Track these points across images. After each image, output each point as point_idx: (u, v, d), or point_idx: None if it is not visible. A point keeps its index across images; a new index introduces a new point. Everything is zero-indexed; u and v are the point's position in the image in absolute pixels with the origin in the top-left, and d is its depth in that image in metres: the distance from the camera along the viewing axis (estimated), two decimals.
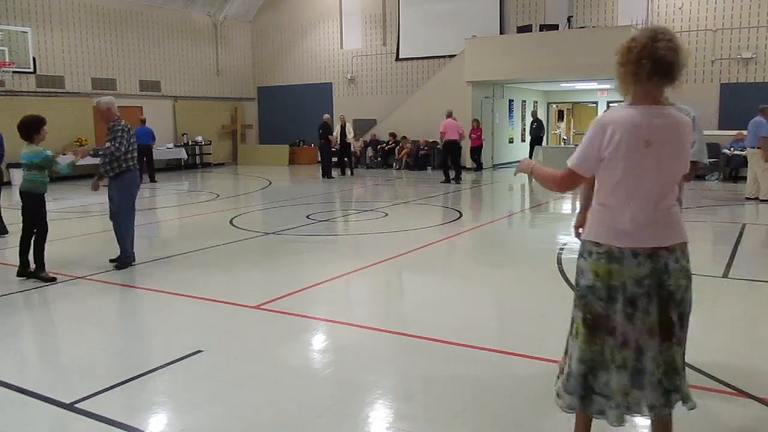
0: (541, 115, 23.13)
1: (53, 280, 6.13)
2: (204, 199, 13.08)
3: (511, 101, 20.47)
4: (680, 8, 16.38)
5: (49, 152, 6.15)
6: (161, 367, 3.99)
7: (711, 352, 4.21)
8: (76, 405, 3.44)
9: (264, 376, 3.88)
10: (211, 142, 21.61)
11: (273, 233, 8.94)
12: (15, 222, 9.33)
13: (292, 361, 4.17)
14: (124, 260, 6.66)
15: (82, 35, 18.14)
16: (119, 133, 6.51)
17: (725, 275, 6.16)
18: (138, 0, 19.41)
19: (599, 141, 2.47)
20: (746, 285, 5.92)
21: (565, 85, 21.15)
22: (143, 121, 16.56)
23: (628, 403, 2.56)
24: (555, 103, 23.98)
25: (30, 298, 5.75)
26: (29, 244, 6.20)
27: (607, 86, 20.66)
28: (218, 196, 13.52)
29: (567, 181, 2.61)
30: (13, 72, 15.59)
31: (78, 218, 10.14)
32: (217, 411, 3.39)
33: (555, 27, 16.87)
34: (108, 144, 6.49)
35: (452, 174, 15.37)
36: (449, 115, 15.58)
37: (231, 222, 9.79)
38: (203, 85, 21.75)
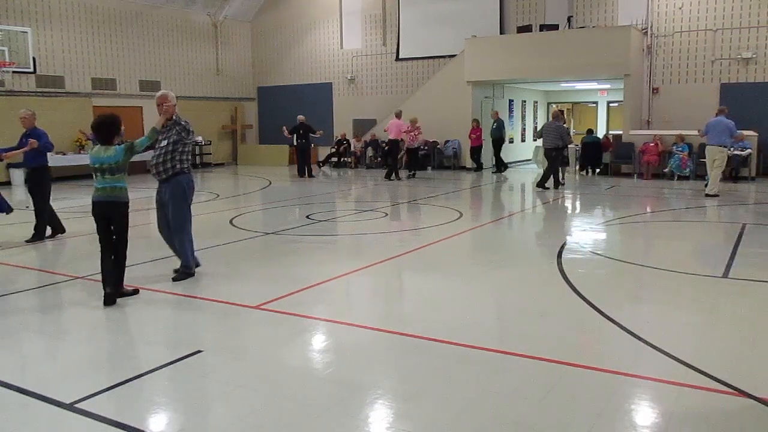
0: (541, 115, 23.16)
1: (136, 292, 5.66)
2: (204, 199, 13.07)
3: (511, 101, 20.47)
4: (680, 8, 16.37)
5: (123, 145, 5.47)
6: (161, 367, 3.99)
7: (711, 352, 4.21)
8: (76, 405, 3.44)
9: (264, 376, 3.88)
10: (211, 142, 21.60)
11: (273, 233, 8.94)
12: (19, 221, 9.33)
13: (292, 361, 4.17)
14: (184, 272, 6.20)
15: (82, 35, 18.14)
16: (187, 126, 6.11)
17: (725, 275, 6.16)
18: (138, 0, 19.41)
19: None
20: (746, 285, 5.92)
21: (565, 85, 21.16)
22: None
23: None
24: (555, 103, 23.96)
25: (30, 299, 5.75)
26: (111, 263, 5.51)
27: (607, 86, 20.68)
28: (218, 196, 13.52)
29: None
30: (13, 72, 15.59)
31: (78, 218, 10.13)
32: (217, 411, 3.39)
33: (555, 27, 16.86)
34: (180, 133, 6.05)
35: (410, 172, 16.52)
36: (397, 115, 16.36)
37: (231, 222, 9.79)
38: (203, 85, 21.74)
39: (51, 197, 8.59)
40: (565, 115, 24.58)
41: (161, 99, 6.09)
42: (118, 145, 5.54)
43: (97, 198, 5.48)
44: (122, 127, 5.72)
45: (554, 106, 24.06)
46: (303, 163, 17.18)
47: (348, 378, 3.82)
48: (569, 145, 14.72)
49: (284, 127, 17.58)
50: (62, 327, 5.04)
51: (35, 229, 8.38)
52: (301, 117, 17.34)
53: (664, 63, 16.71)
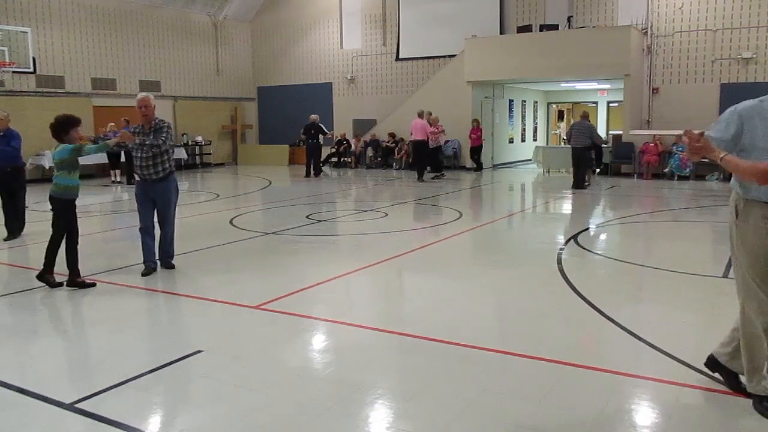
0: (541, 115, 23.16)
1: (93, 285, 5.89)
2: (204, 199, 13.08)
3: (511, 101, 20.47)
4: (680, 8, 16.37)
5: (72, 145, 5.86)
6: (161, 367, 3.99)
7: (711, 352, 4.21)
8: (76, 405, 3.44)
9: (264, 376, 3.88)
10: (211, 142, 21.60)
11: (273, 233, 8.94)
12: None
13: (292, 361, 4.17)
14: (170, 262, 6.61)
15: (82, 35, 18.14)
16: (166, 130, 6.51)
17: (725, 275, 6.16)
18: (138, 0, 19.41)
19: None
20: None
21: (565, 85, 21.15)
22: (128, 122, 15.06)
23: None
24: (555, 103, 23.98)
25: (29, 299, 5.74)
26: (56, 253, 5.90)
27: (607, 86, 20.68)
28: (218, 196, 13.52)
29: None
30: (13, 72, 15.57)
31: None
32: (217, 411, 3.39)
33: (555, 27, 16.86)
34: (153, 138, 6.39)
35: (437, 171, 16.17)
36: (420, 115, 16.12)
37: (231, 222, 9.79)
38: (203, 85, 21.74)
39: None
40: (566, 115, 24.70)
41: (143, 102, 6.47)
42: (68, 145, 5.89)
43: (50, 191, 5.98)
44: (77, 128, 5.97)
45: (554, 105, 24.20)
46: (310, 162, 17.16)
47: (348, 378, 3.82)
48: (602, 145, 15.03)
49: (301, 136, 17.60)
50: (61, 327, 5.05)
51: (19, 227, 8.62)
52: (314, 116, 17.31)
53: (664, 63, 16.71)
